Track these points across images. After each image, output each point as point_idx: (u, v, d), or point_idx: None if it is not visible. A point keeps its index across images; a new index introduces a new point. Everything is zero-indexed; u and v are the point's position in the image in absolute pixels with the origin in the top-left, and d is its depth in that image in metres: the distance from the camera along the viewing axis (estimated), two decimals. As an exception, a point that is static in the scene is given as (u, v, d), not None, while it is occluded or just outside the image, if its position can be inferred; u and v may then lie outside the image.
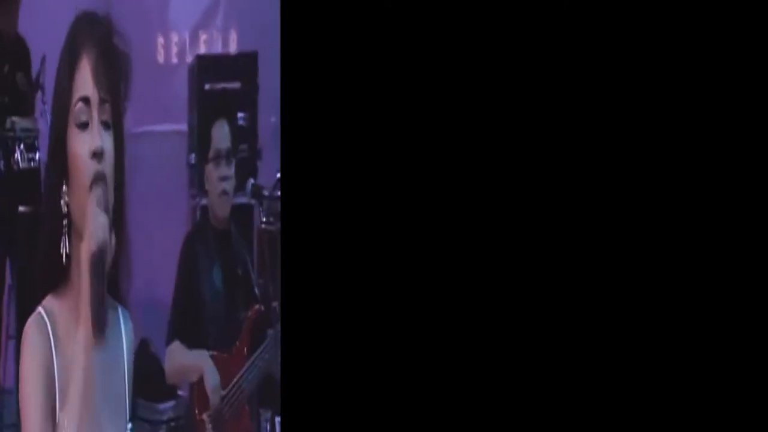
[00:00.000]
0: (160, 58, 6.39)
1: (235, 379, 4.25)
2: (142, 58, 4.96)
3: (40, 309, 1.88)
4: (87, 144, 1.84)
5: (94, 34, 1.87)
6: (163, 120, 6.17)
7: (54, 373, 1.83)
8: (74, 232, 1.87)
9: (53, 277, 1.89)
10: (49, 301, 1.89)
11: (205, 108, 5.48)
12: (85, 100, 1.84)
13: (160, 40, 6.36)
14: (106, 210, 1.84)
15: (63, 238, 1.86)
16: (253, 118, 5.69)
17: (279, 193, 4.75)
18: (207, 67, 5.83)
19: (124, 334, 1.98)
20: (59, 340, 1.86)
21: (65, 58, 1.88)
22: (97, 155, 1.84)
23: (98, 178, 1.84)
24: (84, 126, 1.84)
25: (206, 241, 4.44)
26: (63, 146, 1.86)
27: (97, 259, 1.83)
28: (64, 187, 1.86)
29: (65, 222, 1.86)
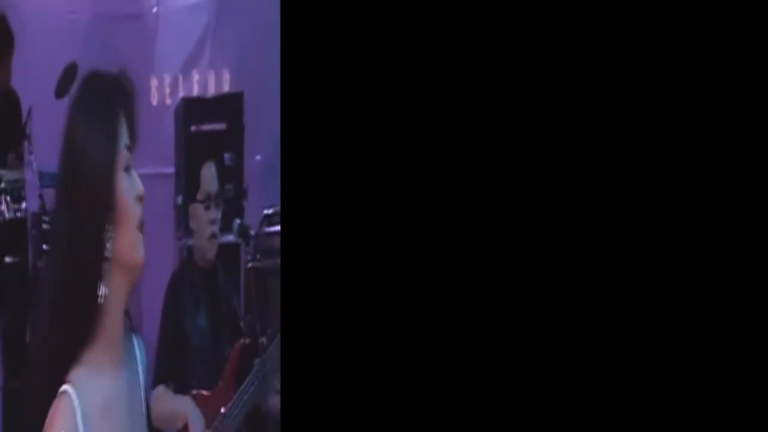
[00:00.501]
0: (154, 101, 6.42)
1: (222, 412, 4.24)
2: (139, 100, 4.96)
3: (69, 391, 1.85)
4: (134, 188, 1.94)
5: (125, 88, 1.97)
6: (155, 162, 6.18)
7: None
8: (116, 272, 1.90)
9: (90, 324, 1.89)
10: (78, 369, 1.87)
11: (191, 149, 5.51)
12: (129, 148, 1.94)
13: (154, 82, 6.39)
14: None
15: (100, 282, 1.88)
16: (239, 158, 5.72)
17: (265, 230, 4.78)
18: (192, 108, 5.86)
19: (139, 360, 2.03)
20: (88, 412, 1.86)
21: (105, 111, 1.94)
22: (143, 199, 1.94)
23: (142, 220, 1.94)
24: (128, 170, 1.94)
25: (192, 282, 4.45)
26: (110, 189, 1.90)
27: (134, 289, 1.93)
28: (108, 228, 1.89)
29: (104, 266, 1.88)
